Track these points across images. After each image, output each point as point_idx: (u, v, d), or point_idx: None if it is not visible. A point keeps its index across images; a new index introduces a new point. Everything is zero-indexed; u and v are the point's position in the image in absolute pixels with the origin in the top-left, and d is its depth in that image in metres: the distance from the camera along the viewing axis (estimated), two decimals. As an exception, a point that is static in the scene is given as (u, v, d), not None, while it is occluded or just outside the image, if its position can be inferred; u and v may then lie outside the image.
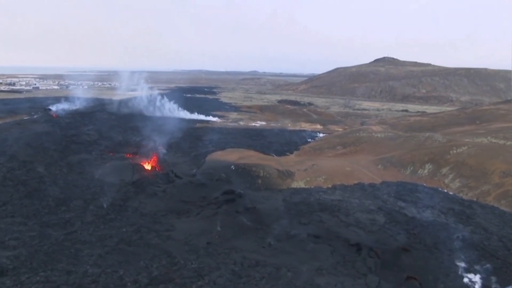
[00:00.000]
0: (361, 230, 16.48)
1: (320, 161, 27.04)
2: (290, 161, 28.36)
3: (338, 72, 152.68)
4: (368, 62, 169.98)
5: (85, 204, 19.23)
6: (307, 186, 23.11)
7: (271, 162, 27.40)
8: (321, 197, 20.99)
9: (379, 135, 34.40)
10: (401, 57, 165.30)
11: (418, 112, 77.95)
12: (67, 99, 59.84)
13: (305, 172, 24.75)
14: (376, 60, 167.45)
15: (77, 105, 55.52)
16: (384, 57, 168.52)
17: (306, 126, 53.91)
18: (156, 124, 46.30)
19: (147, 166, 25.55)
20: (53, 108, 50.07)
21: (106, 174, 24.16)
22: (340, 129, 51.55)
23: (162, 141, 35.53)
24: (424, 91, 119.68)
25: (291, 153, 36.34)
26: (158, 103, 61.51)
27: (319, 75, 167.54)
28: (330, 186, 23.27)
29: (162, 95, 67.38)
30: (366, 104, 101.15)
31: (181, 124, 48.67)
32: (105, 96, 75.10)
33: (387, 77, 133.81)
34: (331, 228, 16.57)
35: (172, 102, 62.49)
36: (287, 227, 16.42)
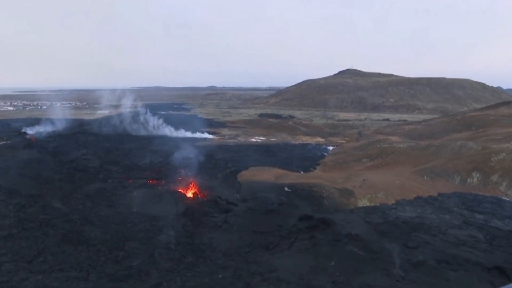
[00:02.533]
0: (475, 250, 15.48)
1: (367, 176, 26.04)
2: (331, 177, 27.04)
3: (307, 85, 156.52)
4: (332, 74, 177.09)
5: (144, 246, 16.13)
6: (372, 204, 21.89)
7: (317, 180, 25.88)
8: (397, 215, 19.84)
9: (401, 146, 34.43)
10: (364, 69, 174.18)
11: (399, 120, 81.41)
12: (37, 121, 53.78)
13: (361, 189, 23.54)
14: (341, 72, 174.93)
15: (52, 127, 49.77)
16: (348, 69, 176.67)
17: (306, 139, 53.25)
18: (154, 144, 42.94)
19: (189, 194, 22.69)
20: (28, 131, 44.25)
21: (142, 206, 20.92)
22: (342, 141, 51.59)
23: (175, 163, 32.59)
24: (392, 100, 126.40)
25: (314, 168, 35.15)
26: (142, 121, 57.76)
27: (288, 88, 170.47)
28: (394, 202, 22.27)
29: (140, 113, 63.42)
30: (343, 115, 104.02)
31: (179, 143, 45.52)
32: (75, 116, 68.78)
33: (356, 88, 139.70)
34: (446, 250, 15.36)
35: (158, 120, 59.04)
36: (400, 253, 14.90)
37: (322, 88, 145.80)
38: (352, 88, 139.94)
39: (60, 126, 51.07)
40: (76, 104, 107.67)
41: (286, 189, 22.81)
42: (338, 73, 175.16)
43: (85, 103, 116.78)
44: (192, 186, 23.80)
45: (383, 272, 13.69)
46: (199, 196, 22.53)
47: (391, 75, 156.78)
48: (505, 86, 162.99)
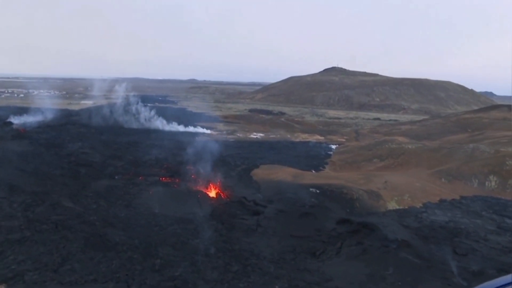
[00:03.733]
0: (523, 257, 15.31)
1: (387, 178, 25.70)
2: (350, 178, 26.53)
3: (294, 81, 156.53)
4: (318, 71, 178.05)
5: (179, 252, 14.84)
6: (401, 207, 21.50)
7: (337, 181, 25.28)
8: (430, 219, 19.52)
9: (410, 146, 34.49)
10: (348, 67, 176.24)
11: (390, 120, 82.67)
12: (20, 110, 50.22)
13: (386, 191, 23.13)
14: (326, 70, 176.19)
15: (38, 117, 46.53)
16: (333, 67, 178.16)
17: (305, 137, 52.79)
18: (152, 139, 41.08)
19: (211, 194, 21.42)
20: (14, 121, 40.98)
21: (164, 206, 19.48)
22: (342, 140, 51.48)
23: (182, 159, 31.11)
24: (378, 99, 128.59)
25: (323, 167, 34.63)
26: (134, 112, 55.33)
27: (274, 84, 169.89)
28: (421, 205, 21.99)
29: (132, 103, 60.64)
30: (332, 113, 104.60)
31: (178, 138, 43.84)
32: (59, 106, 64.82)
33: (342, 86, 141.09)
34: (496, 257, 15.08)
35: (150, 112, 56.81)
36: (453, 260, 14.46)
37: (309, 85, 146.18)
38: (339, 86, 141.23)
39: (47, 116, 47.87)
40: (55, 93, 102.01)
41: (313, 190, 22.00)
42: (323, 70, 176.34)
43: (64, 92, 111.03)
44: (213, 185, 22.54)
45: (444, 282, 13.17)
46: (222, 196, 21.34)
47: (376, 75, 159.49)
48: (479, 89, 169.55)
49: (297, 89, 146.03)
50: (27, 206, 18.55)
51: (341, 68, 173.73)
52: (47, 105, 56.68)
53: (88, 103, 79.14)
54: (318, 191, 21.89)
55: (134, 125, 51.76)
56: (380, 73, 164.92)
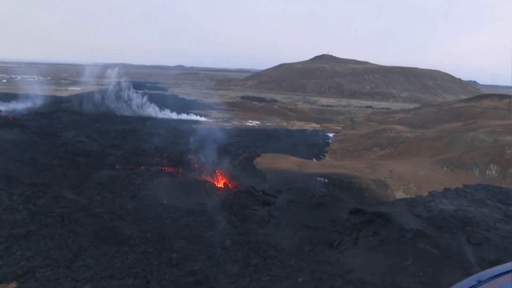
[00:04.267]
0: (536, 246, 15.53)
1: (391, 167, 25.72)
2: (355, 167, 26.44)
3: (285, 68, 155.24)
4: (308, 59, 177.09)
5: (195, 245, 14.42)
6: (408, 196, 21.55)
7: (342, 170, 25.16)
8: (439, 208, 19.63)
9: (409, 135, 34.64)
10: (338, 55, 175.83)
11: (382, 108, 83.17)
12: (7, 96, 48.12)
13: (392, 180, 23.13)
14: (317, 57, 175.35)
15: (27, 104, 44.61)
16: (324, 55, 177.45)
17: (302, 125, 52.51)
18: (148, 126, 40.04)
19: (219, 184, 20.94)
20: (1, 107, 39.13)
21: (171, 198, 18.94)
22: (338, 128, 51.45)
23: (182, 148, 30.45)
24: (368, 87, 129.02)
25: (324, 156, 34.51)
26: (126, 98, 53.79)
27: (264, 71, 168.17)
28: (427, 194, 22.10)
29: (123, 88, 58.75)
30: (323, 101, 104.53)
31: (175, 126, 42.91)
32: (46, 92, 62.29)
33: (333, 74, 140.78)
34: (509, 247, 15.24)
35: (142, 98, 55.37)
36: (469, 250, 14.54)
37: (300, 72, 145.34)
38: (329, 74, 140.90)
39: (35, 103, 45.97)
40: (39, 78, 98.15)
41: (322, 179, 21.78)
42: (314, 58, 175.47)
43: (49, 78, 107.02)
44: (219, 175, 22.05)
45: (463, 272, 13.18)
46: (230, 186, 20.90)
47: (366, 63, 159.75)
48: (463, 78, 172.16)
49: (288, 76, 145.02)
50: (27, 198, 17.71)
51: (332, 56, 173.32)
52: (33, 91, 54.44)
53: (76, 89, 76.70)
54: (326, 181, 21.69)
55: (127, 112, 50.37)
56: (370, 61, 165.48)
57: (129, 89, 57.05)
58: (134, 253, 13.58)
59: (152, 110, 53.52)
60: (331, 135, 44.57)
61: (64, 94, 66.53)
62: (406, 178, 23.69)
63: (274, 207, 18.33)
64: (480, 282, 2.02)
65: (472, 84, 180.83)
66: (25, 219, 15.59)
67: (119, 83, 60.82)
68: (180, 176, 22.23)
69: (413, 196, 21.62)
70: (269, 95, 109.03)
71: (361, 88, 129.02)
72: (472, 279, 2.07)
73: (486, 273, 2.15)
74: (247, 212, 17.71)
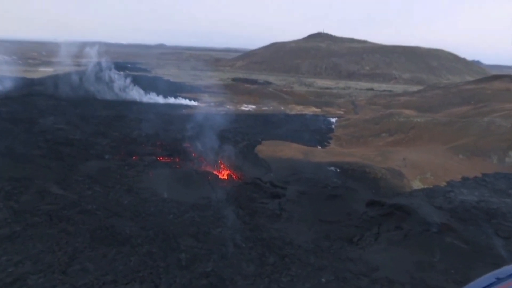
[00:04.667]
0: None
1: (404, 154, 25.67)
2: (365, 155, 26.30)
3: (277, 48, 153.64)
4: (302, 37, 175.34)
5: (203, 244, 14.02)
6: (425, 186, 21.52)
7: (352, 158, 24.99)
8: (460, 199, 19.67)
9: (419, 120, 34.63)
10: (335, 33, 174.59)
11: (384, 91, 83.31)
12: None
13: (406, 169, 23.08)
14: (312, 36, 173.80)
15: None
16: (319, 33, 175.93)
17: (301, 109, 52.20)
18: (134, 111, 39.13)
19: (222, 175, 20.48)
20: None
21: (171, 191, 18.40)
22: (340, 112, 51.27)
23: (175, 136, 29.81)
24: (367, 68, 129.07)
25: (328, 143, 34.33)
26: (107, 80, 52.29)
27: (255, 50, 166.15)
28: (445, 183, 22.11)
29: (104, 68, 56.95)
30: (320, 82, 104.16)
31: (164, 111, 42.01)
32: (14, 73, 59.97)
33: (329, 54, 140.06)
34: (540, 239, 15.35)
35: (124, 80, 53.97)
36: (499, 243, 14.57)
37: (293, 52, 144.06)
38: (326, 54, 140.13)
39: (4, 86, 44.19)
40: (3, 58, 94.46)
41: (333, 169, 21.52)
42: (308, 36, 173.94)
43: (14, 57, 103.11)
44: (221, 166, 21.58)
45: (496, 268, 13.14)
46: (234, 178, 20.48)
47: (365, 41, 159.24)
48: (469, 57, 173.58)
49: (280, 56, 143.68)
50: (7, 194, 16.96)
51: (327, 34, 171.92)
52: (-1, 72, 52.38)
53: (48, 70, 74.29)
54: (338, 170, 21.46)
55: (109, 96, 49.04)
56: (370, 39, 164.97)
57: (110, 70, 55.47)
58: (137, 254, 13.11)
59: (137, 94, 52.27)
60: (333, 120, 44.40)
61: (35, 75, 64.32)
62: (421, 167, 23.66)
63: (284, 199, 18.04)
64: (498, 279, 1.99)
65: (476, 64, 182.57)
66: (8, 219, 14.87)
67: (99, 63, 58.87)
68: (177, 166, 21.67)
69: (431, 186, 21.61)
70: (261, 77, 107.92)
71: (360, 69, 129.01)
72: (490, 276, 2.07)
73: (505, 270, 2.11)
74: (255, 205, 17.37)
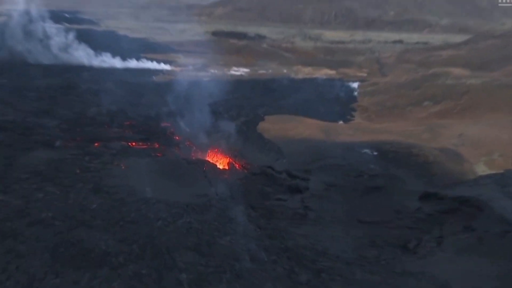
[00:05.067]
0: None
1: (459, 129, 25.72)
2: (405, 131, 26.28)
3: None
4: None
5: (206, 258, 13.78)
6: (494, 171, 21.60)
7: (388, 136, 24.93)
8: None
9: (474, 82, 34.68)
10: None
11: (417, 43, 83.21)
12: None
13: (465, 149, 23.16)
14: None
15: None
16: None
17: (309, 71, 51.87)
18: (86, 80, 38.34)
19: (220, 164, 20.18)
20: None
21: (157, 188, 18.02)
22: (362, 74, 51.08)
23: (148, 113, 29.33)
24: (392, 13, 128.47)
25: (352, 116, 34.29)
26: (41, 37, 50.70)
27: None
28: (519, 166, 22.29)
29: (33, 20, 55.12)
30: (329, 35, 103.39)
31: (127, 77, 41.16)
32: None
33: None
34: None
35: (65, 36, 52.55)
36: None
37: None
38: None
39: None
40: None
41: (367, 151, 21.39)
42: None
43: None
44: (216, 151, 21.27)
45: None
46: (237, 167, 20.22)
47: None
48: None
49: (274, 0, 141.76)
50: None
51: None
52: None
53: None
54: (375, 153, 21.35)
55: (46, 59, 47.67)
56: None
57: (43, 21, 53.97)
58: (120, 278, 12.75)
59: (84, 55, 51.03)
60: (354, 85, 44.25)
61: None
62: (484, 145, 23.74)
63: (307, 194, 17.96)
64: None
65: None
66: None
67: (26, 12, 56.77)
68: (158, 154, 21.23)
69: (501, 170, 21.68)
70: (250, 29, 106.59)
71: (382, 14, 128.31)
72: None
73: None
74: (270, 203, 17.25)
